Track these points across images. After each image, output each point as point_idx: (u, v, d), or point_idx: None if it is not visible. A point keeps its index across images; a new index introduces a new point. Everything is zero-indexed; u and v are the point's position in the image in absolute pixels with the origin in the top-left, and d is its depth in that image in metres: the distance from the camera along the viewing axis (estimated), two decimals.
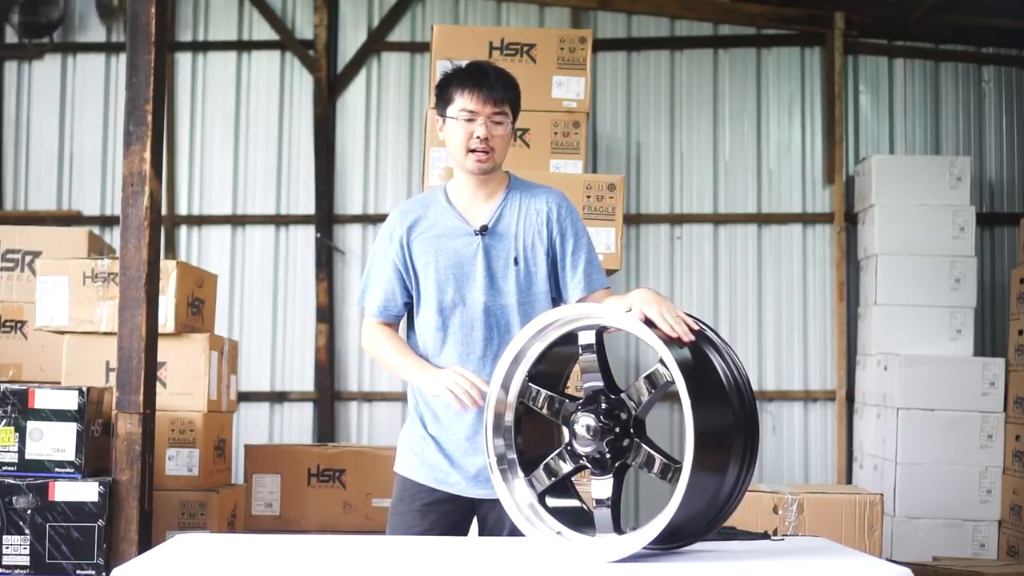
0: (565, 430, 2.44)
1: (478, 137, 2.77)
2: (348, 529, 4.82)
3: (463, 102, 2.79)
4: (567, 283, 2.87)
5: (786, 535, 3.09)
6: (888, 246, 5.94)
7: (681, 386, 2.25)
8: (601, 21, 6.61)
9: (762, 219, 6.54)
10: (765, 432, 6.47)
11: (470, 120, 2.78)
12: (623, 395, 2.38)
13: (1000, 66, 6.62)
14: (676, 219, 6.55)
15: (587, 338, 2.42)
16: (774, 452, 6.47)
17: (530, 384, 2.50)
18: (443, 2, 6.64)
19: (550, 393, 2.48)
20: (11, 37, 6.75)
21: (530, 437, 2.54)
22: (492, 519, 2.84)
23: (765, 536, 2.66)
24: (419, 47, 6.56)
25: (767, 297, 6.51)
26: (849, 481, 6.29)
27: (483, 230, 2.82)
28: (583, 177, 4.58)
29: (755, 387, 6.42)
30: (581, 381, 2.43)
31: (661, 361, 2.31)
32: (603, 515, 2.36)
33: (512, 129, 2.85)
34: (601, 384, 2.40)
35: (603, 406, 2.38)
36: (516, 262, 2.82)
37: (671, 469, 2.28)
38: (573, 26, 6.47)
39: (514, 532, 2.72)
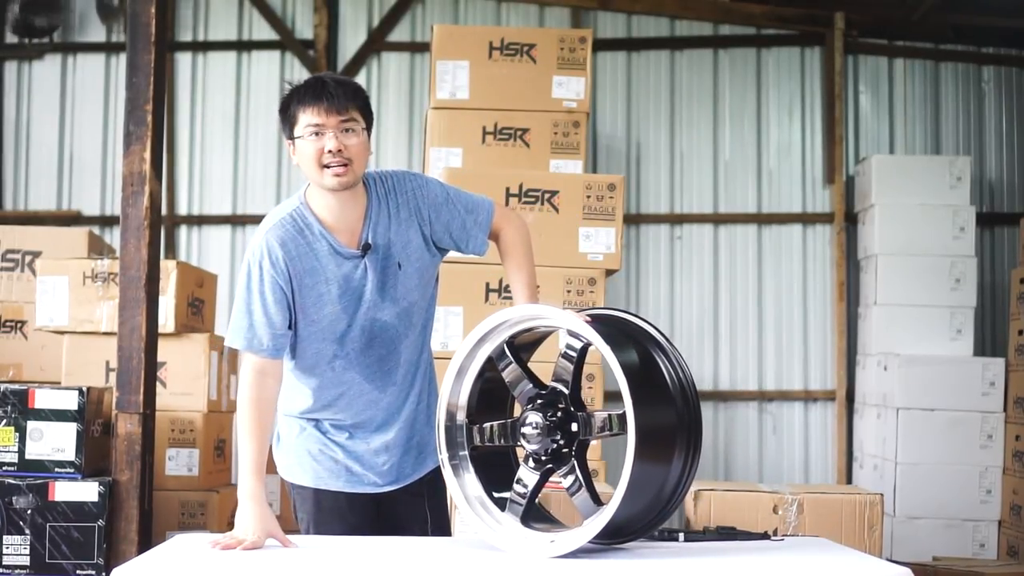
0: (521, 448, 2.49)
1: (330, 151, 2.57)
2: None
3: (307, 118, 2.59)
4: (467, 241, 2.78)
5: (786, 535, 3.09)
6: (888, 246, 5.94)
7: (599, 342, 2.32)
8: (601, 21, 6.61)
9: (762, 219, 6.54)
10: (765, 432, 6.47)
11: (318, 135, 2.58)
12: (552, 383, 2.45)
13: (1000, 66, 6.62)
14: (676, 219, 6.55)
15: (499, 351, 2.50)
16: (774, 452, 6.46)
17: (472, 426, 2.55)
18: (443, 2, 6.64)
19: (496, 422, 2.53)
20: (11, 37, 6.74)
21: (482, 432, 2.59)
22: (401, 511, 2.83)
23: (765, 536, 2.67)
24: (419, 47, 6.56)
25: (767, 297, 6.51)
26: (849, 481, 6.29)
27: (366, 249, 2.67)
28: (583, 177, 4.58)
29: (755, 387, 6.44)
30: (516, 395, 2.50)
31: (569, 332, 2.41)
32: (582, 499, 2.40)
33: (368, 137, 2.65)
34: (530, 386, 2.47)
35: (540, 402, 2.44)
36: (400, 266, 2.70)
37: (624, 418, 2.30)
38: (573, 26, 6.47)
39: (433, 522, 2.81)
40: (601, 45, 6.46)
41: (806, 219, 6.53)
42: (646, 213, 6.54)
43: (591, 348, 2.42)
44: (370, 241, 2.67)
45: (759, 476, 6.40)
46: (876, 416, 5.92)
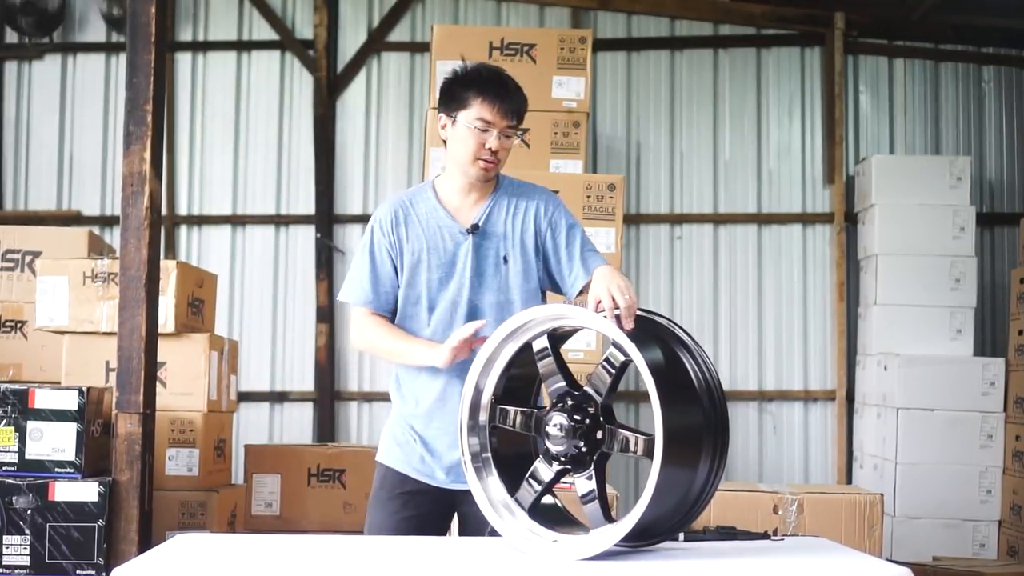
0: (541, 440, 2.47)
1: (490, 149, 2.75)
2: (348, 529, 4.81)
3: (481, 111, 2.74)
4: (566, 275, 2.86)
5: (786, 535, 3.09)
6: (888, 246, 5.94)
7: (639, 360, 2.28)
8: (601, 21, 6.61)
9: (762, 219, 6.54)
10: (765, 432, 6.47)
11: (484, 131, 2.75)
12: (586, 388, 2.42)
13: (1000, 66, 6.62)
14: (676, 219, 6.55)
15: (540, 344, 2.48)
16: (774, 452, 6.46)
17: (498, 406, 2.54)
18: (443, 2, 6.64)
19: (520, 409, 2.52)
20: (11, 37, 6.74)
21: (504, 435, 2.58)
22: (473, 513, 2.82)
23: (765, 536, 2.66)
24: (419, 47, 6.56)
25: (767, 297, 6.51)
26: (849, 481, 6.29)
27: (473, 229, 2.81)
28: (583, 177, 4.58)
29: (755, 387, 6.44)
30: (545, 387, 2.49)
31: (614, 343, 2.36)
32: (593, 510, 2.39)
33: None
34: (564, 383, 2.45)
35: (570, 403, 2.42)
36: (505, 260, 2.82)
37: (650, 444, 2.29)
38: (573, 26, 6.47)
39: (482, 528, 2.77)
40: (601, 45, 6.46)
41: (806, 219, 6.54)
42: (646, 213, 6.54)
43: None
44: (479, 224, 2.81)
45: (759, 476, 6.40)
46: (876, 416, 5.92)
